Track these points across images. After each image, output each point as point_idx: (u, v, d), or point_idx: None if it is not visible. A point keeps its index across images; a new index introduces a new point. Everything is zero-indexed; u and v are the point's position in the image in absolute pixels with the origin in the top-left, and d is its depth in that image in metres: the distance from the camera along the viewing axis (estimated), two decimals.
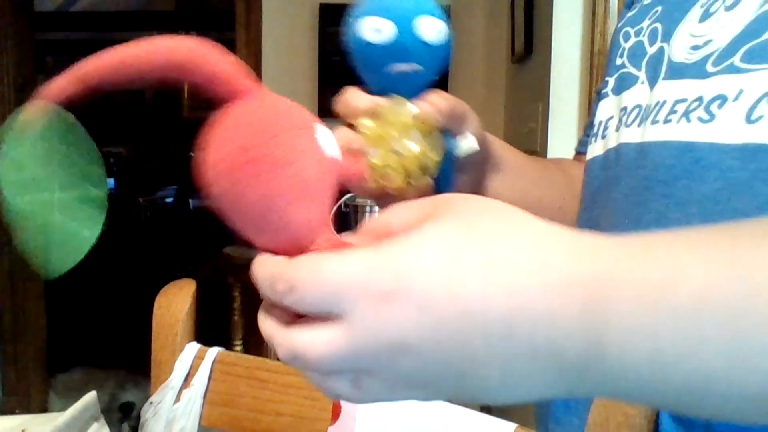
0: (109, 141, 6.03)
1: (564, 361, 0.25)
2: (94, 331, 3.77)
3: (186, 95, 6.23)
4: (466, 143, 0.46)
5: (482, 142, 0.48)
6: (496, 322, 0.25)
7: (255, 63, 2.37)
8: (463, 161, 0.46)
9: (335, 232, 0.31)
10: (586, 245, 0.26)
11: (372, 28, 0.41)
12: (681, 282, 0.24)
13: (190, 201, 5.39)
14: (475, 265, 0.25)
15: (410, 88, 0.43)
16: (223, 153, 0.30)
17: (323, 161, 0.31)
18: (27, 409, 2.66)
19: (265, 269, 0.29)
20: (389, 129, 0.41)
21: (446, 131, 0.44)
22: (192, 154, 0.32)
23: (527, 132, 1.85)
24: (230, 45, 2.43)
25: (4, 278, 2.57)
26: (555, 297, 0.25)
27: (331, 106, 0.45)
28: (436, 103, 0.43)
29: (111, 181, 5.72)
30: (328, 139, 0.32)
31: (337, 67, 2.34)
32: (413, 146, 0.41)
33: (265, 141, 0.30)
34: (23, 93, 2.60)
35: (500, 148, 0.52)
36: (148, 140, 6.22)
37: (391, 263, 0.26)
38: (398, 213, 0.30)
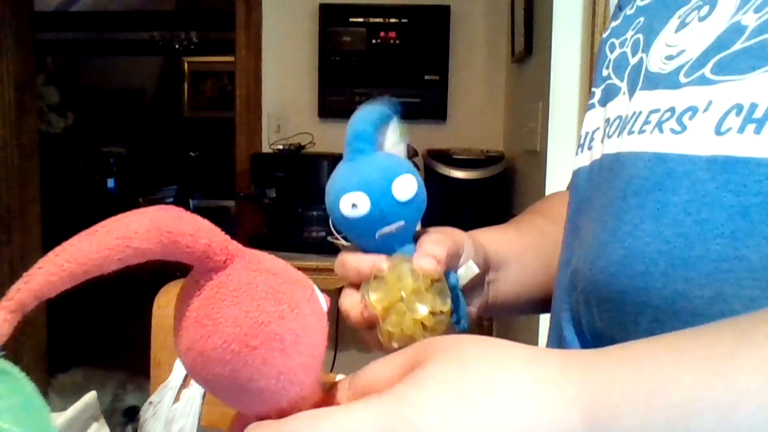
0: (109, 141, 6.03)
1: None
2: (94, 331, 3.77)
3: (186, 95, 6.23)
4: (467, 271, 0.48)
5: (476, 253, 0.50)
6: None
7: (255, 63, 2.37)
8: (467, 284, 0.48)
9: (325, 393, 0.31)
10: (575, 363, 0.29)
11: (349, 205, 0.43)
12: (672, 385, 0.26)
13: (190, 201, 5.38)
14: (478, 396, 0.27)
15: (400, 241, 0.45)
16: (223, 335, 0.27)
17: (322, 319, 0.30)
18: None
19: None
20: (396, 296, 0.43)
21: (448, 270, 0.46)
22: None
23: (527, 132, 1.85)
24: (230, 45, 2.44)
25: (4, 277, 2.57)
26: (559, 414, 0.27)
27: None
28: (433, 254, 0.44)
29: (111, 181, 5.72)
30: (322, 298, 0.31)
31: (337, 67, 2.34)
32: (423, 309, 0.43)
33: (269, 320, 0.28)
34: (23, 93, 2.61)
35: (493, 245, 0.53)
36: (148, 140, 6.22)
37: (396, 407, 0.27)
38: (378, 370, 0.31)
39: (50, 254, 0.26)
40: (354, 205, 0.43)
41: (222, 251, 0.28)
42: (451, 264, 0.47)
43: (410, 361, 0.30)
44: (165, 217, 0.27)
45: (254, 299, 0.28)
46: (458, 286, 0.48)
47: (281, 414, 0.29)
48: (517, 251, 0.56)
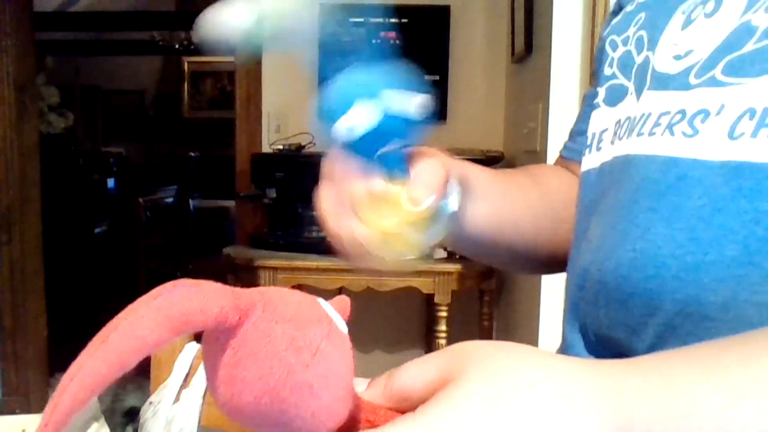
0: (109, 141, 6.03)
1: None
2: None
3: (186, 95, 6.23)
4: (454, 199, 0.48)
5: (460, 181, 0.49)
6: None
7: (255, 63, 2.37)
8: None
9: (360, 398, 0.32)
10: (606, 380, 0.29)
11: (346, 128, 0.40)
12: (702, 407, 0.27)
13: (190, 201, 5.38)
14: (512, 418, 0.28)
15: (393, 161, 0.44)
16: (253, 392, 0.28)
17: (345, 347, 0.31)
18: (27, 409, 2.66)
19: None
20: (391, 222, 0.43)
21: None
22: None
23: (527, 132, 1.85)
24: None
25: (4, 277, 2.57)
26: (593, 428, 0.28)
27: None
28: (430, 184, 0.44)
29: (111, 181, 5.72)
30: (340, 322, 0.31)
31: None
32: (416, 237, 0.44)
33: (294, 371, 0.28)
34: (23, 93, 2.60)
35: (475, 176, 0.52)
36: (148, 140, 6.22)
37: (434, 429, 0.28)
38: (414, 373, 0.31)
39: (72, 367, 0.27)
40: (351, 128, 0.40)
41: (234, 311, 0.28)
42: (442, 193, 0.46)
43: (444, 367, 0.30)
44: (171, 302, 0.27)
45: (275, 353, 0.28)
46: (446, 211, 0.47)
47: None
48: (487, 188, 0.54)
